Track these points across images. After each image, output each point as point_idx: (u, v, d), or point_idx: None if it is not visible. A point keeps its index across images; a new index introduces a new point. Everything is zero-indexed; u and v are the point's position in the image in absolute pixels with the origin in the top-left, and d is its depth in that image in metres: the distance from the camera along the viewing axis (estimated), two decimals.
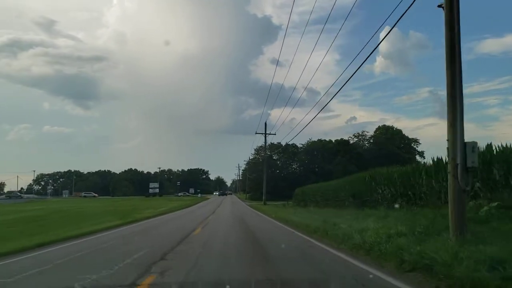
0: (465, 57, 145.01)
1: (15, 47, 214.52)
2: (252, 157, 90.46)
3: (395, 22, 9.67)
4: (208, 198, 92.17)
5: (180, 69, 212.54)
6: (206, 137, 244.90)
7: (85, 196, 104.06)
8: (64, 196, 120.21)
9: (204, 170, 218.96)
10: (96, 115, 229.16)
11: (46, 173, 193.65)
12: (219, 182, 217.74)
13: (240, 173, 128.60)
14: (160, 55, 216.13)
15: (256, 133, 58.22)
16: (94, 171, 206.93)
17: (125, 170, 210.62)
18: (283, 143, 71.43)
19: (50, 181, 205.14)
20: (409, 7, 8.68)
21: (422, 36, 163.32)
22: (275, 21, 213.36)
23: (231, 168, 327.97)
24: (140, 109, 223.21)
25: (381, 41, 11.98)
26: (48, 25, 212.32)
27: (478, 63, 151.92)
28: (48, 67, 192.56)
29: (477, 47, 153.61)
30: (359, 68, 17.42)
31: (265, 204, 51.97)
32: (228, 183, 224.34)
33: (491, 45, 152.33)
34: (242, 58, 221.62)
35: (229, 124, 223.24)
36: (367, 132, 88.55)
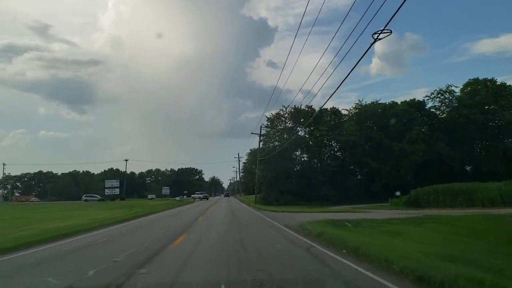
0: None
1: (10, 52, 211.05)
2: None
3: (390, 24, 9.84)
4: (192, 202, 57.48)
5: (176, 72, 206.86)
6: (202, 140, 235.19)
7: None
8: None
9: (197, 169, 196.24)
10: (91, 119, 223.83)
11: (14, 174, 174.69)
12: (215, 182, 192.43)
13: (241, 168, 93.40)
14: (155, 58, 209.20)
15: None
16: (67, 171, 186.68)
17: (104, 171, 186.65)
18: None
19: (18, 183, 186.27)
20: (399, 7, 8.87)
21: (419, 37, 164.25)
22: (271, 23, 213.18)
23: (228, 171, 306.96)
24: (136, 112, 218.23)
25: (374, 42, 10.61)
26: (42, 30, 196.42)
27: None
28: (43, 71, 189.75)
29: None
30: (353, 69, 12.96)
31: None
32: (225, 185, 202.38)
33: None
34: (238, 61, 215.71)
35: (225, 127, 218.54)
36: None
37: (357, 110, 53.11)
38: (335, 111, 51.46)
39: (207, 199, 70.05)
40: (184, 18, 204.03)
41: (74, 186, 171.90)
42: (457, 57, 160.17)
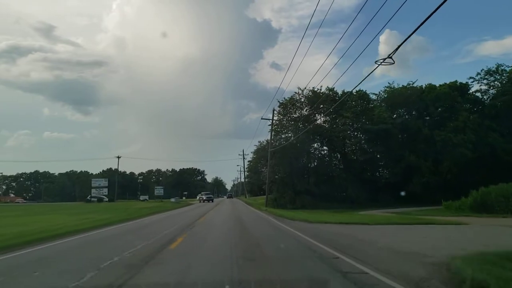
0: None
1: (14, 53, 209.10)
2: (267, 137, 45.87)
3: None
4: (191, 204, 48.77)
5: (180, 73, 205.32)
6: (205, 141, 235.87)
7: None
8: None
9: (199, 170, 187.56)
10: (96, 120, 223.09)
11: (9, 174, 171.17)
12: (217, 183, 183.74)
13: (246, 167, 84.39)
14: (160, 60, 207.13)
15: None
16: (64, 172, 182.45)
17: (103, 171, 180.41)
18: None
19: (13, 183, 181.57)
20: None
21: (423, 39, 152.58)
22: (275, 25, 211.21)
23: (231, 172, 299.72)
24: (140, 113, 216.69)
25: (376, 68, 10.66)
26: (47, 31, 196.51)
27: None
28: (47, 72, 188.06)
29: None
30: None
31: None
32: (228, 186, 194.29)
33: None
34: (243, 62, 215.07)
35: (228, 128, 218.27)
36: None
37: (386, 95, 43.87)
38: (362, 95, 42.21)
39: (212, 200, 58.81)
40: (188, 20, 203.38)
41: (71, 187, 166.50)
42: (462, 59, 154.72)
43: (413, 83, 43.48)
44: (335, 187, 38.99)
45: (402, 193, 35.57)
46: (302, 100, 42.78)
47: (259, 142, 50.21)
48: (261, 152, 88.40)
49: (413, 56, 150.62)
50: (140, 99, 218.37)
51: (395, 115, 40.80)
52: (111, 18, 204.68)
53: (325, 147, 42.72)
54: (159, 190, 71.90)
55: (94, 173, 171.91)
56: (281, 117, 42.94)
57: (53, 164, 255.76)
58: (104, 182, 75.13)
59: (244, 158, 79.44)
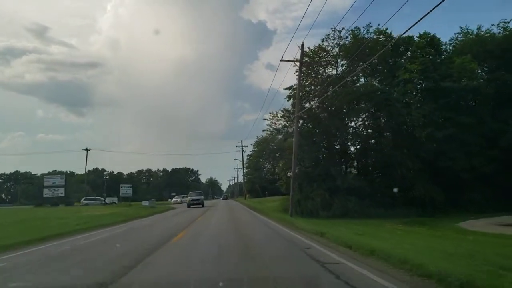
0: None
1: (8, 54, 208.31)
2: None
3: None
4: (171, 209, 33.91)
5: (175, 74, 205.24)
6: (199, 142, 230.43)
7: None
8: None
9: (192, 169, 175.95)
10: (90, 121, 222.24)
11: None
12: (212, 184, 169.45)
13: (245, 162, 69.18)
14: (154, 61, 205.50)
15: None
16: (47, 171, 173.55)
17: (88, 171, 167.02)
18: None
19: None
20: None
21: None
22: (270, 26, 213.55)
23: (227, 172, 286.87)
24: (134, 114, 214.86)
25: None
26: (41, 32, 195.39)
27: None
28: (41, 74, 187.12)
29: None
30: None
31: None
32: (224, 187, 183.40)
33: None
34: (237, 63, 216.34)
35: (223, 129, 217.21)
36: None
37: (464, 41, 28.89)
38: (429, 41, 27.14)
39: (201, 205, 40.03)
40: (183, 21, 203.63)
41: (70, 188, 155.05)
42: None
43: (507, 23, 28.37)
44: (393, 182, 24.10)
45: None
46: (336, 50, 27.68)
47: (265, 129, 33.69)
48: (263, 144, 73.27)
49: None
50: (134, 100, 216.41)
51: (487, 70, 26.16)
52: (106, 19, 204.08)
53: (382, 119, 27.53)
54: (126, 190, 51.82)
55: (80, 173, 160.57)
56: (304, 78, 27.62)
57: (35, 164, 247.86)
58: (60, 179, 58.50)
59: (243, 151, 64.15)
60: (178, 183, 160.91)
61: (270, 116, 29.64)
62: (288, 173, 24.59)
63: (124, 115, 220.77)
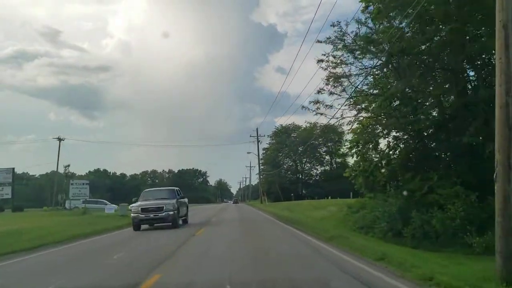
0: None
1: (21, 58, 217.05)
2: None
3: None
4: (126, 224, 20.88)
5: (186, 77, 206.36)
6: (209, 144, 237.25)
7: None
8: None
9: (200, 171, 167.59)
10: (101, 125, 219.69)
11: None
12: (221, 186, 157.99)
13: (261, 154, 57.17)
14: (166, 63, 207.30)
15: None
16: (44, 172, 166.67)
17: (89, 171, 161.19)
18: None
19: None
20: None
21: None
22: (280, 29, 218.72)
23: (237, 173, 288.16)
24: (145, 117, 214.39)
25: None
26: (52, 35, 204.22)
27: None
28: (53, 77, 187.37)
29: None
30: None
31: None
32: (233, 189, 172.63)
33: None
34: (248, 66, 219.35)
35: (234, 132, 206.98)
36: None
37: None
38: None
39: (172, 223, 17.67)
40: (193, 24, 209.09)
41: (50, 189, 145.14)
42: None
43: None
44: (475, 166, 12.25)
45: None
46: None
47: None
48: (282, 136, 61.32)
49: None
50: (146, 103, 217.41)
51: None
52: (117, 22, 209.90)
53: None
54: (79, 189, 38.33)
55: (81, 174, 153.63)
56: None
57: (35, 166, 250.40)
58: (6, 175, 43.68)
59: (258, 141, 51.60)
60: (185, 185, 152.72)
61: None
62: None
63: (135, 118, 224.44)
